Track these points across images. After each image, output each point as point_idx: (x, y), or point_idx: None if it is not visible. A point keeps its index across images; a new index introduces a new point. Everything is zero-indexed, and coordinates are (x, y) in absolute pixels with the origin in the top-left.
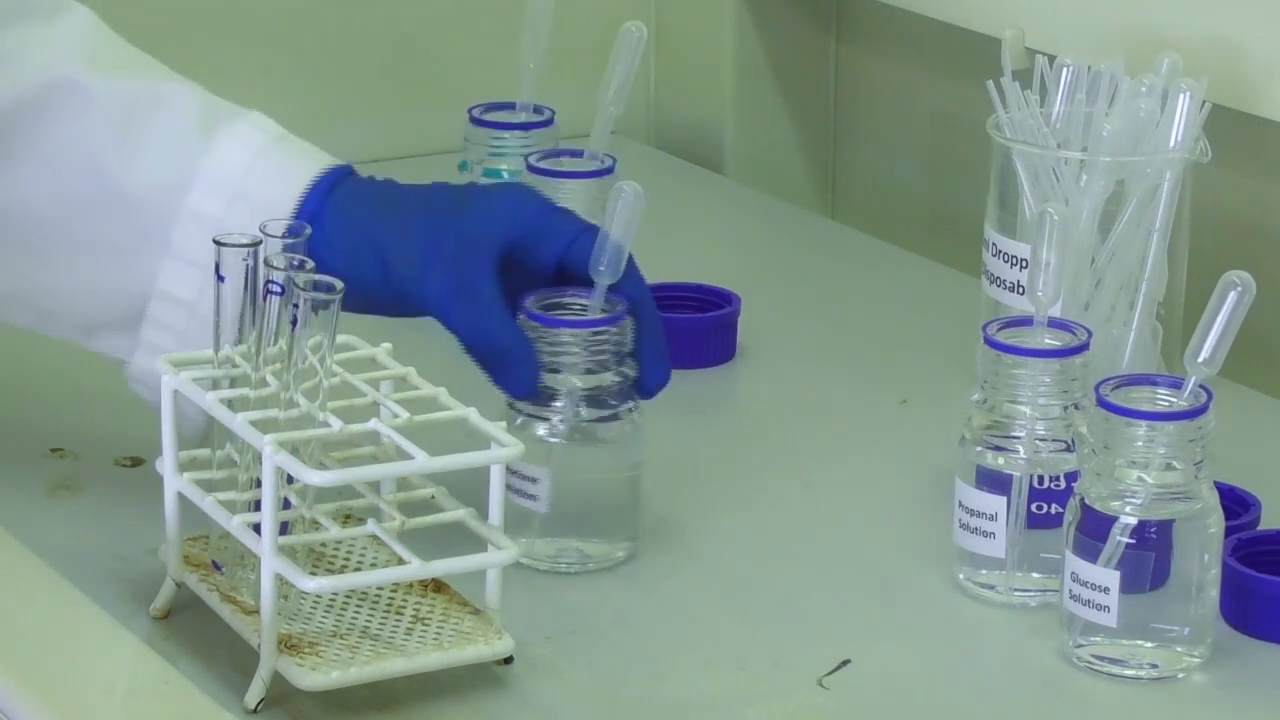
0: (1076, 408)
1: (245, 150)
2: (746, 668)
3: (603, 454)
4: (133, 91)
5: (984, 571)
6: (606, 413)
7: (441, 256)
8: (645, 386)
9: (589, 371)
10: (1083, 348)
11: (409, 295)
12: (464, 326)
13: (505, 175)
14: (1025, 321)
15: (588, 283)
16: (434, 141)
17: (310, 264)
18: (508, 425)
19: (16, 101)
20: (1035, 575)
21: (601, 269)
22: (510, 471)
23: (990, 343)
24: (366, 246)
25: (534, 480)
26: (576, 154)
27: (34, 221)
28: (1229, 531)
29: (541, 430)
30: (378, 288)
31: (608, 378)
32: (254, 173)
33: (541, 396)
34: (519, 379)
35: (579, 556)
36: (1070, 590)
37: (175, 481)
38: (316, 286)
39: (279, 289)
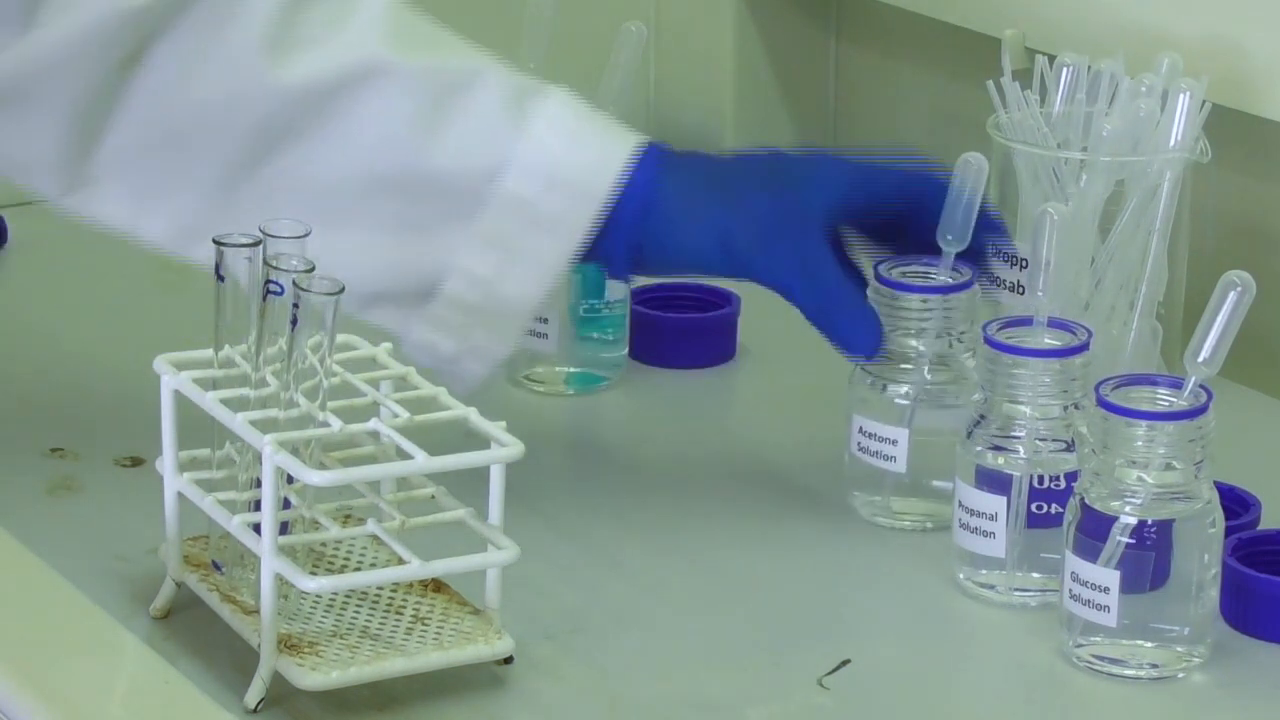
0: (1076, 407)
1: (558, 134)
2: (746, 668)
3: (950, 417)
4: (439, 71)
5: (984, 571)
6: (954, 375)
7: (784, 234)
8: None
9: (939, 336)
10: (1083, 347)
11: (751, 271)
12: (810, 299)
13: None
14: (1025, 321)
15: (921, 234)
16: None
17: (311, 263)
18: (855, 384)
19: (319, 82)
20: (1035, 575)
21: (950, 238)
22: (868, 433)
23: (990, 342)
24: (707, 226)
25: (892, 442)
26: None
27: (331, 196)
28: (1229, 531)
29: (897, 393)
30: (717, 264)
31: (955, 341)
32: (569, 157)
33: (896, 360)
34: (868, 340)
35: (928, 516)
36: (1070, 590)
37: (175, 481)
38: (316, 286)
39: (279, 289)
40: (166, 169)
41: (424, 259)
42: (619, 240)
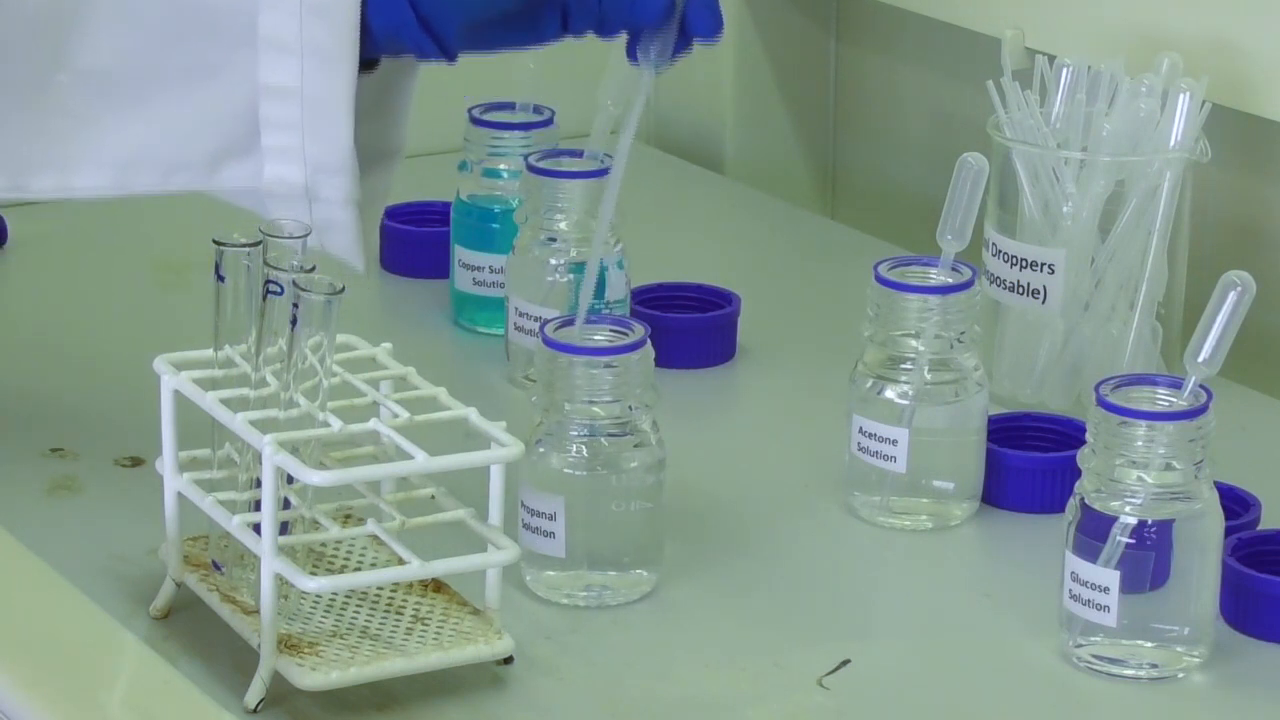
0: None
1: None
2: (746, 668)
3: (951, 417)
4: None
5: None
6: (955, 375)
7: None
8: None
9: (939, 336)
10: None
11: None
12: None
13: (505, 175)
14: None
15: None
16: (434, 141)
17: (311, 264)
18: (855, 384)
19: None
20: None
21: (950, 238)
22: (868, 433)
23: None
24: None
25: (892, 442)
26: (576, 154)
27: (128, 70)
28: (1229, 531)
29: (897, 393)
30: None
31: (955, 341)
32: None
33: (891, 363)
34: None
35: (928, 516)
36: (1070, 590)
37: (175, 481)
38: (317, 286)
39: (279, 289)
40: None
41: (235, 95)
42: (399, 5)
